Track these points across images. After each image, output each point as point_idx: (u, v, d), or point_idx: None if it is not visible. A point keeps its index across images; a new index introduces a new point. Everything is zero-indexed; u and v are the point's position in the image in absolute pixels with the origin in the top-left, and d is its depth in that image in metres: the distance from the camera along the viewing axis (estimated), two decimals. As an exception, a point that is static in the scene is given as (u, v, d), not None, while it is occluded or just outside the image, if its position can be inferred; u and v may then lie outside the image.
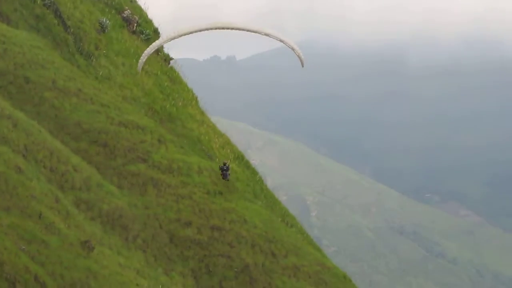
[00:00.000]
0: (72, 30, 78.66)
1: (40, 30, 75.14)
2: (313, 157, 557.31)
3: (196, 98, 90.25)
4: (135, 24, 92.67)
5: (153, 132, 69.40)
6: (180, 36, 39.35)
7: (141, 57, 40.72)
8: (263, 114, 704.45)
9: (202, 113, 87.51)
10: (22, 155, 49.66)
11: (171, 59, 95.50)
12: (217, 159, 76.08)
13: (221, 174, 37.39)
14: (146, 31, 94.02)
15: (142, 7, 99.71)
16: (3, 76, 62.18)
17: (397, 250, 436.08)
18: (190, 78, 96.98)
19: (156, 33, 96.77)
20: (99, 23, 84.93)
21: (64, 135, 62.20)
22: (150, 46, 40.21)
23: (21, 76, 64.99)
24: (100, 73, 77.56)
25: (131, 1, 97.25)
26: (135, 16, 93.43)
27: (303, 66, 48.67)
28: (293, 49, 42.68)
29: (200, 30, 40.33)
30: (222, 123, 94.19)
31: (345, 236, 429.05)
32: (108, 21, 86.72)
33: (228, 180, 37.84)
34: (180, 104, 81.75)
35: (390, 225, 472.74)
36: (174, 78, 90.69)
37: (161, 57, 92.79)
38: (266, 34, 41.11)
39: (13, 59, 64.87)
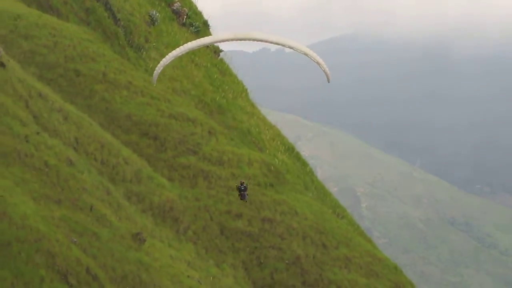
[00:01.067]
0: (122, 23, 78.85)
1: (90, 23, 75.30)
2: (364, 148, 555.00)
3: (246, 90, 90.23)
4: (185, 17, 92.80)
5: (203, 124, 69.28)
6: (200, 46, 39.98)
7: (157, 68, 38.23)
8: (314, 105, 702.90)
9: (252, 105, 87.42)
10: (73, 148, 49.80)
11: (221, 51, 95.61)
12: (267, 151, 76.12)
13: (238, 195, 36.13)
14: (196, 23, 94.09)
15: None
16: (53, 69, 62.41)
17: (448, 241, 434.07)
18: (239, 70, 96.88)
19: (205, 26, 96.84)
20: (149, 15, 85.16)
21: (114, 127, 62.31)
22: (167, 56, 38.26)
23: (72, 69, 65.16)
24: (150, 65, 77.26)
25: None
26: (184, 8, 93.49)
27: (329, 82, 45.53)
28: (318, 63, 40.78)
29: (222, 41, 40.40)
30: (272, 115, 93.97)
31: (396, 227, 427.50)
32: (158, 14, 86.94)
33: (246, 201, 36.11)
34: (230, 96, 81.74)
35: (441, 217, 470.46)
36: (224, 70, 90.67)
37: (211, 49, 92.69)
38: (290, 47, 39.68)
39: (63, 52, 65.01)
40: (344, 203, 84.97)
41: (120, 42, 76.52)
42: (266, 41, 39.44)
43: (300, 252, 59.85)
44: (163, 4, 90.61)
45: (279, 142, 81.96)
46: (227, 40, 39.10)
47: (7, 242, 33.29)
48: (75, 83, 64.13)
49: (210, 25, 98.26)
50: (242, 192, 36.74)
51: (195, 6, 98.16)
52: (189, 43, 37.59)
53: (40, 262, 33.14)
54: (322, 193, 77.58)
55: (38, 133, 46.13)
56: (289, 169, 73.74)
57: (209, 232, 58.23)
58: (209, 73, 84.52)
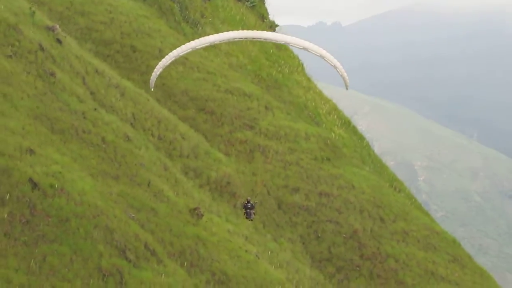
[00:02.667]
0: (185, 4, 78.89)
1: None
2: (420, 121, 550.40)
3: (302, 64, 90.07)
4: None
5: (259, 99, 69.25)
6: (204, 45, 36.27)
7: (155, 70, 36.16)
8: (369, 79, 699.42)
9: (309, 79, 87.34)
10: (130, 124, 49.93)
11: (277, 25, 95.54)
12: (323, 125, 76.04)
13: (244, 213, 34.80)
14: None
15: None
16: (110, 45, 62.69)
17: (506, 214, 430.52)
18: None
19: (261, 1, 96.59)
20: None
21: (171, 103, 62.50)
22: (166, 57, 36.35)
23: (128, 45, 65.48)
24: (203, 32, 77.29)
25: None
26: None
27: (347, 89, 43.28)
28: (335, 67, 37.89)
29: (228, 40, 38.14)
30: (328, 89, 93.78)
31: (454, 200, 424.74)
32: None
33: (251, 220, 34.73)
34: (286, 70, 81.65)
35: (499, 189, 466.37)
36: (279, 45, 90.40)
37: (267, 24, 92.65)
38: (304, 48, 36.43)
39: (119, 28, 65.31)
40: (401, 177, 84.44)
41: (176, 18, 76.68)
42: (278, 41, 38.03)
43: (357, 226, 59.77)
44: None
45: (335, 116, 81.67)
46: (236, 39, 38.72)
47: (66, 218, 33.42)
48: (132, 59, 64.32)
49: (265, 1, 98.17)
50: (248, 211, 35.32)
51: None
52: (191, 42, 36.10)
53: (98, 237, 33.26)
54: (379, 167, 77.30)
55: (95, 109, 46.41)
56: (345, 143, 73.52)
57: (266, 206, 58.14)
58: (265, 48, 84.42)
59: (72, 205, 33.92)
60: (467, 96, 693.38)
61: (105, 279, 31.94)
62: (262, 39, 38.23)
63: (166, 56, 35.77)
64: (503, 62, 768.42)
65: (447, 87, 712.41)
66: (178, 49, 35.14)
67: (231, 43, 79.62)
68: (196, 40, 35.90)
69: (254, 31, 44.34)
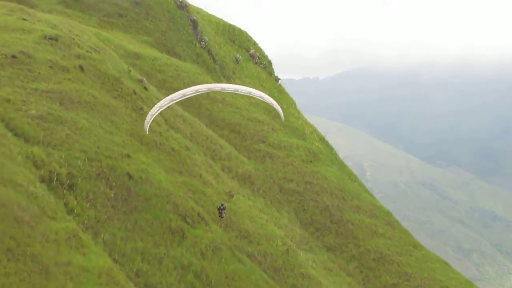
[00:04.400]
0: (218, 62, 79.77)
1: (199, 62, 76.43)
2: (367, 138, 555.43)
3: (294, 102, 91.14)
4: (257, 58, 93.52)
5: (268, 124, 70.37)
6: (180, 99, 36.56)
7: (147, 118, 35.41)
8: (336, 112, 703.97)
9: (299, 112, 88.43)
10: (189, 139, 50.28)
11: (279, 79, 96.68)
12: (308, 140, 76.74)
13: (218, 213, 34.36)
14: (264, 62, 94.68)
15: (261, 47, 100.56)
16: (176, 91, 63.42)
17: (420, 195, 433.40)
18: (289, 91, 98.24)
19: (269, 64, 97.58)
20: (235, 58, 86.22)
21: (214, 126, 63.05)
22: (154, 106, 35.94)
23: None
24: (235, 81, 79.20)
25: (254, 44, 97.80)
26: (256, 53, 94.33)
27: (283, 119, 45.11)
28: (272, 103, 37.18)
29: (196, 92, 37.51)
30: (310, 118, 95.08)
31: (388, 187, 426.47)
32: (240, 57, 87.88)
33: (223, 217, 37.54)
34: (284, 106, 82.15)
35: (416, 180, 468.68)
36: (280, 90, 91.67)
37: (273, 78, 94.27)
38: (249, 93, 36.72)
39: (183, 80, 66.01)
40: (355, 172, 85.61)
41: (217, 74, 77.82)
42: (232, 91, 37.96)
43: (328, 203, 60.72)
44: (243, 50, 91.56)
45: (315, 135, 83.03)
46: (207, 91, 38.10)
47: (149, 197, 33.52)
48: (190, 99, 64.31)
49: (272, 63, 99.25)
50: (220, 211, 35.21)
51: (263, 51, 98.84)
52: (174, 94, 36.14)
53: (169, 209, 33.40)
54: (342, 166, 78.42)
55: (167, 130, 46.72)
56: (321, 151, 74.78)
57: (272, 190, 58.66)
58: (272, 92, 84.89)
59: (153, 189, 34.05)
60: (397, 122, 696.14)
61: (173, 234, 32.05)
62: (219, 90, 37.39)
63: (154, 107, 35.45)
64: (420, 102, 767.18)
65: (384, 117, 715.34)
66: (162, 101, 35.51)
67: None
68: (180, 92, 36.06)
69: (214, 84, 45.04)
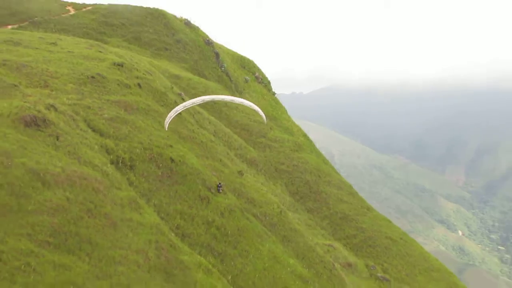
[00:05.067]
0: (233, 81, 79.33)
1: (220, 82, 76.10)
2: (333, 133, 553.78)
3: (286, 110, 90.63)
4: (260, 79, 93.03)
5: (267, 124, 69.98)
6: (187, 107, 33.94)
7: (167, 119, 33.19)
8: (315, 116, 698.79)
9: (288, 116, 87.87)
10: (212, 135, 50.00)
11: (275, 93, 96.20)
12: (295, 136, 75.14)
13: (217, 189, 33.29)
14: (264, 81, 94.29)
15: (262, 71, 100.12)
16: (205, 103, 63.27)
17: (373, 174, 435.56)
18: (282, 101, 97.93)
19: (269, 82, 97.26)
20: (245, 78, 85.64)
21: (230, 126, 62.74)
22: (172, 110, 33.65)
23: (211, 101, 66.07)
24: (244, 95, 78.84)
25: (258, 69, 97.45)
26: (259, 75, 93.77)
27: (265, 122, 40.62)
28: (257, 110, 33.87)
29: (206, 101, 35.45)
30: (297, 121, 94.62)
31: (350, 169, 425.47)
32: (248, 78, 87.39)
33: (220, 193, 34.83)
34: (279, 112, 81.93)
35: (369, 164, 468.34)
36: (276, 101, 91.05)
37: (271, 93, 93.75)
38: (241, 102, 33.82)
39: (209, 94, 65.84)
40: (327, 158, 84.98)
41: (232, 90, 77.33)
42: (229, 100, 35.30)
43: (308, 179, 60.43)
44: (250, 73, 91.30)
45: (300, 132, 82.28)
46: (210, 100, 35.93)
47: (185, 174, 33.36)
48: (213, 107, 64.20)
49: (270, 81, 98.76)
50: (219, 188, 34.64)
51: (264, 73, 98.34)
52: (180, 105, 33.85)
53: (199, 182, 33.26)
54: (318, 154, 77.64)
55: (198, 128, 46.57)
56: (304, 143, 74.11)
57: (270, 170, 58.41)
58: (270, 102, 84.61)
59: (188, 169, 33.96)
60: (357, 123, 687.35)
61: (201, 200, 31.98)
62: (220, 100, 34.70)
63: (171, 112, 33.20)
64: (373, 109, 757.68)
65: (348, 120, 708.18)
66: (178, 107, 32.88)
67: (255, 99, 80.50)
68: (188, 101, 34.28)
69: (215, 95, 43.79)
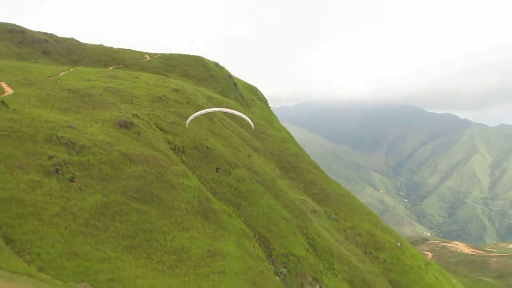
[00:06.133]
0: (245, 100, 77.19)
1: (236, 100, 73.67)
2: (306, 131, 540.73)
3: (276, 117, 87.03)
4: (261, 98, 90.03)
5: (265, 126, 67.43)
6: (207, 112, 29.10)
7: (190, 117, 27.69)
8: (296, 121, 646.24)
9: (278, 121, 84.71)
10: (232, 132, 48.51)
11: (270, 107, 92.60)
12: (282, 134, 71.09)
13: (216, 170, 30.41)
14: (263, 99, 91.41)
15: (262, 92, 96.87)
16: (232, 116, 60.37)
17: (340, 158, 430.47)
18: (274, 111, 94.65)
19: (266, 100, 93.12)
20: (252, 98, 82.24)
21: (242, 127, 60.37)
22: (195, 113, 27.99)
23: (230, 115, 63.68)
24: (252, 110, 75.44)
25: (260, 91, 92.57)
26: (260, 96, 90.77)
27: (252, 129, 34.42)
28: (246, 120, 28.55)
29: (215, 111, 31.73)
30: (284, 124, 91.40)
31: (319, 155, 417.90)
32: (254, 98, 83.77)
33: (218, 172, 30.31)
34: (273, 118, 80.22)
35: (326, 150, 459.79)
36: (271, 112, 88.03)
37: (268, 106, 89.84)
38: (238, 114, 28.02)
39: (229, 108, 63.50)
40: (302, 146, 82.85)
41: (244, 105, 75.04)
42: (225, 111, 29.58)
43: (290, 159, 58.13)
44: (255, 95, 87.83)
45: (285, 131, 78.92)
46: (210, 112, 31.94)
47: (215, 157, 33.06)
48: (232, 116, 62.67)
49: (267, 99, 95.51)
50: (217, 170, 30.43)
51: (263, 94, 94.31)
52: (202, 111, 28.51)
53: (224, 162, 32.95)
54: (296, 144, 74.04)
55: (223, 128, 44.97)
56: (287, 138, 71.21)
57: (267, 154, 56.35)
58: (267, 113, 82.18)
59: (217, 153, 33.62)
60: (320, 124, 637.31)
61: (225, 172, 31.66)
62: (224, 111, 29.58)
63: (201, 111, 28.60)
64: (332, 118, 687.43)
65: (315, 123, 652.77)
66: (198, 112, 28.09)
67: (258, 111, 77.88)
68: (204, 110, 29.70)
69: (220, 108, 38.73)
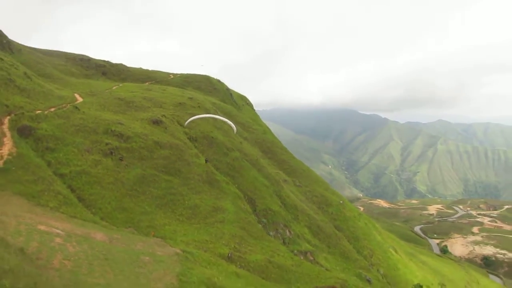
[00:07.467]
0: (238, 105, 69.79)
1: (231, 104, 68.40)
2: (279, 127, 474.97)
3: (259, 116, 76.43)
4: (248, 103, 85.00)
5: (251, 122, 63.91)
6: (204, 117, 24.28)
7: (191, 118, 23.62)
8: (273, 119, 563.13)
9: (261, 119, 76.19)
10: (229, 127, 47.62)
11: (254, 110, 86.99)
12: (263, 127, 63.30)
13: (205, 161, 25.02)
14: (250, 104, 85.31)
15: (249, 99, 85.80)
16: (232, 119, 51.94)
17: (294, 143, 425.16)
18: (258, 113, 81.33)
19: (252, 104, 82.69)
20: (242, 104, 74.26)
21: (236, 124, 56.56)
22: (195, 116, 23.67)
23: (240, 122, 55.95)
24: (242, 111, 67.42)
25: (247, 99, 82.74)
26: (248, 102, 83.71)
27: (235, 132, 27.89)
28: (230, 124, 22.91)
29: (209, 117, 27.41)
30: (264, 121, 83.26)
31: (286, 141, 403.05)
32: (244, 103, 75.37)
33: (207, 162, 25.13)
34: (256, 118, 74.96)
35: (293, 138, 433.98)
36: (255, 113, 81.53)
37: (253, 109, 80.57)
38: (227, 119, 22.78)
39: (227, 112, 57.51)
40: (276, 136, 78.23)
41: (237, 109, 69.83)
42: (216, 117, 25.62)
43: (269, 145, 54.80)
44: (244, 102, 76.26)
45: (265, 126, 70.83)
46: (208, 117, 27.72)
47: (218, 143, 31.62)
48: (230, 117, 59.86)
49: (252, 104, 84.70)
50: (206, 161, 24.92)
51: (249, 100, 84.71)
52: (202, 115, 24.82)
53: (223, 147, 31.77)
54: (272, 135, 66.36)
55: (223, 124, 40.48)
56: (267, 130, 63.50)
57: (253, 142, 52.65)
58: (253, 114, 75.69)
59: (219, 141, 32.14)
60: (289, 120, 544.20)
61: (224, 154, 30.70)
62: (219, 118, 25.15)
63: (199, 115, 24.64)
64: (298, 117, 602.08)
65: (285, 120, 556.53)
66: (199, 115, 24.06)
67: (246, 113, 69.50)
68: (202, 115, 25.53)
69: (212, 114, 32.10)
